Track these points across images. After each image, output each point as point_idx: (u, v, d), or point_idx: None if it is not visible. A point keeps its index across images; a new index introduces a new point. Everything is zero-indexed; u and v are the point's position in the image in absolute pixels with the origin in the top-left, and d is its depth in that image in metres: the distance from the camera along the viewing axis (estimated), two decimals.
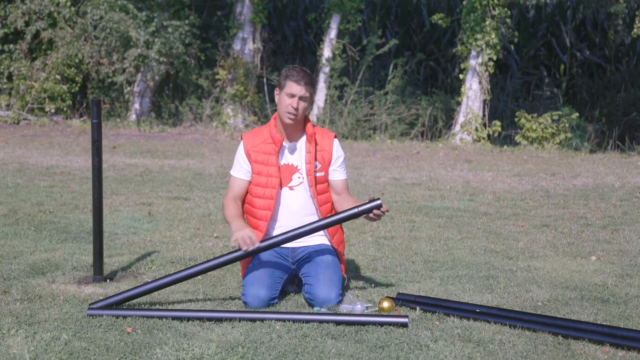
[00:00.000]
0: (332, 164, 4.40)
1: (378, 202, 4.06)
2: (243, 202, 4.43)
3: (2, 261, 4.95)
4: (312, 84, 4.30)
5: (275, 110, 16.43)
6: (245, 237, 4.06)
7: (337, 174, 4.43)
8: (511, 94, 18.81)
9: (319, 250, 4.33)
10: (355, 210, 4.08)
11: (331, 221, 4.11)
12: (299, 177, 4.34)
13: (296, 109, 4.22)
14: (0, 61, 16.26)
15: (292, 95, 4.22)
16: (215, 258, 4.12)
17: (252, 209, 4.37)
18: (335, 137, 4.46)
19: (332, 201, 4.45)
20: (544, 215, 7.21)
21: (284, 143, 4.34)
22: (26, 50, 16.16)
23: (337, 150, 4.42)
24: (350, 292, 4.37)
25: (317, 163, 4.34)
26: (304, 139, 4.36)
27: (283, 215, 4.34)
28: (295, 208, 4.33)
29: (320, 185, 4.36)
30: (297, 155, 4.35)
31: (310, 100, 4.32)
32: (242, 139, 4.41)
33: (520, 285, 4.62)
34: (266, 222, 4.30)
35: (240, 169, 4.37)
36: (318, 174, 4.34)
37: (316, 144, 4.35)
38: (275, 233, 4.36)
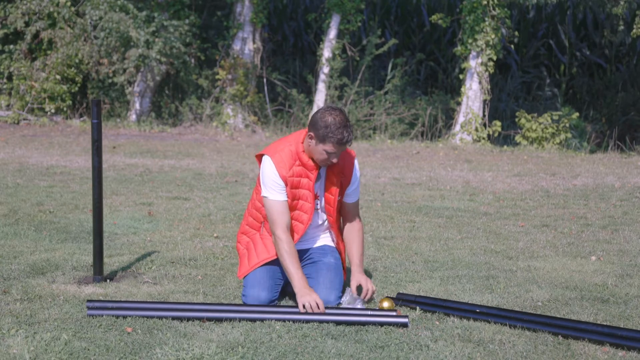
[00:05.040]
0: (350, 186, 4.28)
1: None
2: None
3: (2, 261, 4.95)
4: (352, 131, 4.04)
5: (276, 111, 16.37)
6: (313, 304, 3.88)
7: (349, 197, 4.32)
8: (511, 93, 18.81)
9: (322, 252, 4.32)
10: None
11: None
12: (317, 203, 4.26)
13: (334, 163, 4.07)
14: (0, 61, 16.26)
15: (333, 153, 4.03)
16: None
17: None
18: (355, 156, 4.32)
19: (339, 221, 4.40)
20: (544, 215, 7.21)
21: None
22: (26, 51, 16.16)
23: (355, 173, 4.29)
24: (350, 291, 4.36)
25: (338, 191, 4.26)
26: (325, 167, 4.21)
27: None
28: (310, 226, 4.29)
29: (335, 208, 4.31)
30: (319, 184, 4.24)
31: None
32: (262, 156, 4.15)
33: (520, 285, 4.62)
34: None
35: (280, 190, 4.09)
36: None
37: (340, 177, 4.20)
38: None
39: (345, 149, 4.06)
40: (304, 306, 3.88)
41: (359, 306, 4.01)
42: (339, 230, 4.40)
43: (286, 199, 4.11)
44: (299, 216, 4.19)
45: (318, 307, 3.87)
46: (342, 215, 4.39)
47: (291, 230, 4.18)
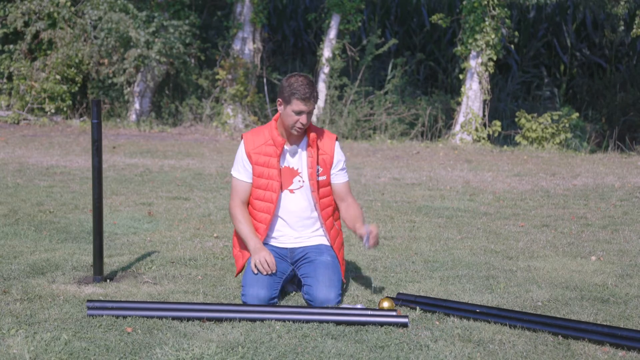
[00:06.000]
0: (333, 167, 4.35)
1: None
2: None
3: (2, 261, 4.95)
4: (317, 94, 4.22)
5: (276, 110, 16.39)
6: (262, 262, 4.13)
7: (338, 177, 4.38)
8: (511, 93, 18.81)
9: (318, 251, 4.32)
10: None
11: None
12: (299, 181, 4.31)
13: (304, 124, 4.18)
14: (0, 61, 16.26)
15: (300, 112, 4.15)
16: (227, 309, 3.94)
17: (252, 210, 4.36)
18: (337, 139, 4.41)
19: (334, 205, 4.42)
20: (544, 215, 7.21)
21: (285, 146, 4.29)
22: (26, 51, 16.17)
23: (338, 153, 4.38)
24: (350, 292, 4.36)
25: (319, 167, 4.31)
26: (305, 141, 4.32)
27: (283, 217, 4.34)
28: (295, 210, 4.32)
29: (322, 189, 4.34)
30: (297, 159, 4.31)
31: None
32: (242, 138, 4.36)
33: (520, 285, 4.62)
34: (266, 225, 4.29)
35: (243, 171, 4.32)
36: (320, 178, 4.31)
37: (318, 148, 4.31)
38: (274, 235, 4.37)
39: (312, 107, 4.17)
40: (254, 265, 4.14)
41: (358, 306, 4.01)
42: (328, 217, 4.38)
43: (248, 181, 4.32)
44: (270, 197, 4.27)
45: (268, 265, 4.13)
46: (336, 199, 4.40)
47: (265, 213, 4.29)
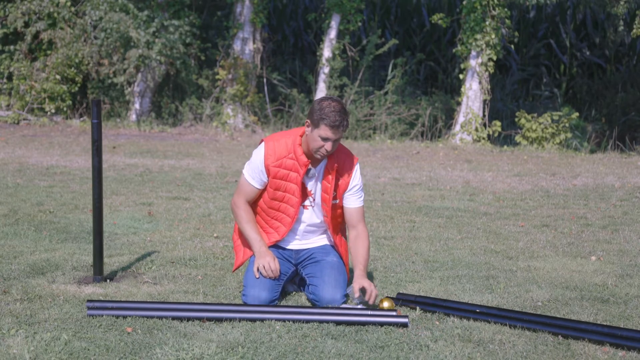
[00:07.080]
0: (348, 190, 4.25)
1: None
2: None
3: (2, 261, 4.95)
4: (347, 122, 4.05)
5: (276, 111, 16.35)
6: (267, 268, 4.10)
7: (350, 200, 4.27)
8: (511, 93, 18.81)
9: (324, 252, 4.32)
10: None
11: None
12: (311, 201, 4.25)
13: (329, 152, 4.06)
14: (0, 61, 16.26)
15: (327, 139, 4.02)
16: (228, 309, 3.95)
17: (265, 217, 4.30)
18: (358, 161, 4.30)
19: (342, 222, 4.38)
20: (544, 215, 7.21)
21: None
22: (26, 51, 16.17)
23: (355, 177, 4.25)
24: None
25: (334, 193, 4.25)
26: (323, 164, 4.21)
27: (292, 227, 4.31)
28: (304, 221, 4.30)
29: (335, 210, 4.29)
30: (314, 182, 4.23)
31: None
32: (262, 142, 4.21)
33: (520, 285, 4.63)
34: (279, 236, 4.26)
35: (257, 179, 4.21)
36: (333, 202, 4.25)
37: (337, 177, 4.20)
38: (283, 242, 4.35)
39: (340, 135, 4.03)
40: (257, 269, 4.11)
41: (359, 306, 4.01)
42: (337, 233, 4.38)
43: (259, 187, 4.23)
44: (286, 209, 4.22)
45: (272, 270, 4.10)
46: (346, 221, 4.34)
47: (279, 222, 4.25)
